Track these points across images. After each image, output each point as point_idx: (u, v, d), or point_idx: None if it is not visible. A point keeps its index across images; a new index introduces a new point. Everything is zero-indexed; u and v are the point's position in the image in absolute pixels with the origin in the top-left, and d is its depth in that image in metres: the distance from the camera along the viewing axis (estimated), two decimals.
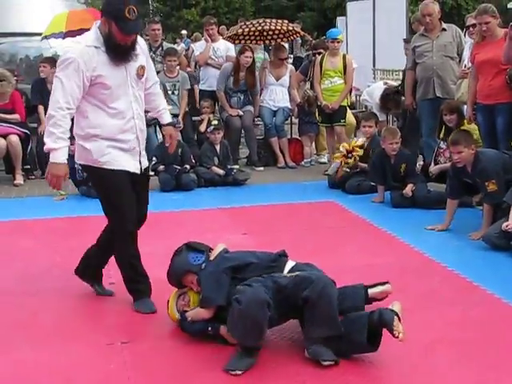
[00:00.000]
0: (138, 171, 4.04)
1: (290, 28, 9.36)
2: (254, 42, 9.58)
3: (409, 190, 6.29)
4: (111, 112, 3.89)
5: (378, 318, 3.22)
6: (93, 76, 3.76)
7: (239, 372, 3.16)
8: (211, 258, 3.70)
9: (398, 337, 3.14)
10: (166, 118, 4.30)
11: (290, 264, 3.66)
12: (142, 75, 3.96)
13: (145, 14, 30.09)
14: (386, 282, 3.73)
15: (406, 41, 8.28)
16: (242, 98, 8.72)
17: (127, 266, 4.08)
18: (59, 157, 3.81)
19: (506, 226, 4.81)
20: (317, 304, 3.25)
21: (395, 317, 3.18)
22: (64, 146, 3.80)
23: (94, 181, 4.29)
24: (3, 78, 7.80)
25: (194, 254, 3.71)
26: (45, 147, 3.81)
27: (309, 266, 3.69)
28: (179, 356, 3.43)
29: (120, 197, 3.97)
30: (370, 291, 3.69)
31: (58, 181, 3.89)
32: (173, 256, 3.78)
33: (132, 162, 4.01)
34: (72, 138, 3.97)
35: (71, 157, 7.24)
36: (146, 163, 4.16)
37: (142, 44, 4.04)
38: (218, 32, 12.53)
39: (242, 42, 9.44)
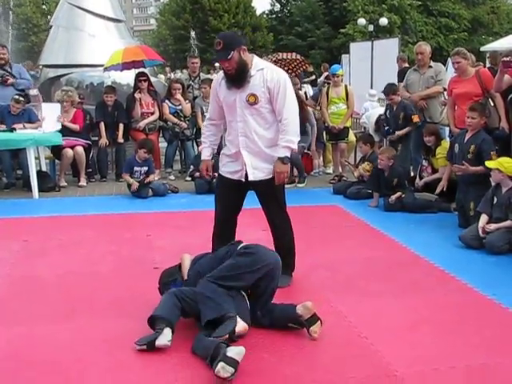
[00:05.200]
0: (243, 179, 3.90)
1: (298, 57, 9.25)
2: None
3: (395, 197, 6.21)
4: (229, 126, 3.97)
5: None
6: (219, 96, 3.92)
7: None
8: (184, 276, 3.51)
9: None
10: (279, 153, 3.80)
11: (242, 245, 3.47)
12: (253, 102, 3.75)
13: (186, 50, 30.26)
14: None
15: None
16: None
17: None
18: (203, 155, 4.12)
19: (482, 229, 4.80)
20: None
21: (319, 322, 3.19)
22: (205, 147, 4.08)
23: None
24: (70, 90, 8.16)
25: (171, 285, 3.50)
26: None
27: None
28: None
29: (218, 194, 4.11)
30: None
31: (203, 172, 4.15)
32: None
33: (236, 171, 3.93)
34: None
35: (128, 162, 7.25)
36: (256, 176, 3.89)
37: (270, 79, 3.74)
38: None
39: None
